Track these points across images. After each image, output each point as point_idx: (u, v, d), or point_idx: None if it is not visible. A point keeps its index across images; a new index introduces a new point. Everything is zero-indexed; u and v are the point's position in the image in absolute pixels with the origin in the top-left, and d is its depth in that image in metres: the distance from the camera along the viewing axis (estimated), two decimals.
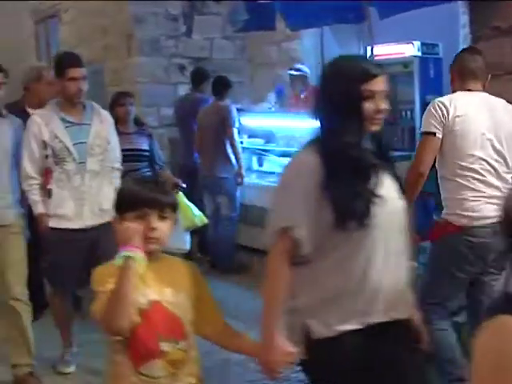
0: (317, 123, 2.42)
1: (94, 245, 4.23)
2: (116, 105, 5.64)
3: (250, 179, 7.37)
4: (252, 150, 7.68)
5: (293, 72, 7.71)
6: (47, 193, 4.26)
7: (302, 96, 7.67)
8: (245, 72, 9.38)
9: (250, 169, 7.67)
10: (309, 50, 8.78)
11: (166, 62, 8.89)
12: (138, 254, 2.07)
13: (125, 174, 4.99)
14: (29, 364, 4.30)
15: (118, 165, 4.51)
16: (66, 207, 4.23)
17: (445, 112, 3.60)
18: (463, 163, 3.57)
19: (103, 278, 2.11)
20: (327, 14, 6.35)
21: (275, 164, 7.52)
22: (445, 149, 3.63)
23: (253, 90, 9.15)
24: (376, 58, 6.01)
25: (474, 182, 3.56)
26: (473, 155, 3.56)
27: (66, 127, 4.23)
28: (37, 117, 4.29)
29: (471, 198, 3.57)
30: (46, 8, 11.23)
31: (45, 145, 4.20)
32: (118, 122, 5.27)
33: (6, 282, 4.25)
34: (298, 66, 7.85)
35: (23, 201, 4.39)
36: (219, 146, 6.66)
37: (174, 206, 2.26)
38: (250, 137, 7.66)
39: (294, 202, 2.30)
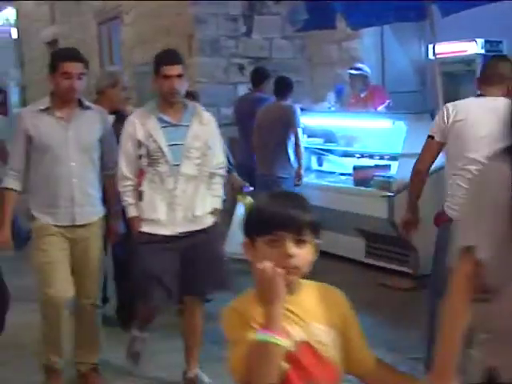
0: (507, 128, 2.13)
1: (187, 254, 4.00)
2: None
3: (309, 179, 7.34)
4: (311, 149, 7.65)
5: (353, 71, 7.67)
6: (139, 195, 4.05)
7: (362, 95, 7.62)
8: (304, 71, 9.36)
9: (309, 168, 7.64)
10: (369, 49, 8.72)
11: (225, 62, 8.94)
12: (280, 341, 1.70)
13: None
14: (94, 363, 4.26)
15: (220, 171, 4.19)
16: (158, 211, 3.99)
17: (445, 117, 3.94)
18: (459, 164, 3.83)
19: (235, 324, 1.79)
20: (388, 12, 6.30)
21: (335, 164, 7.49)
22: (447, 150, 3.99)
23: (312, 90, 9.12)
24: (438, 56, 5.92)
25: (466, 181, 3.71)
26: (468, 157, 3.78)
27: (162, 127, 3.98)
28: (133, 116, 4.09)
29: (460, 195, 3.70)
30: (109, 10, 11.43)
31: (139, 144, 3.99)
32: None
33: (83, 284, 4.09)
34: (359, 65, 7.80)
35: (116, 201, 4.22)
36: (280, 146, 6.65)
37: (315, 226, 1.85)
38: (309, 136, 7.63)
39: (479, 217, 2.00)
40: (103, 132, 4.15)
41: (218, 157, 4.17)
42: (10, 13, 21.60)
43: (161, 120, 4.00)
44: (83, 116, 4.06)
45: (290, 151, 6.64)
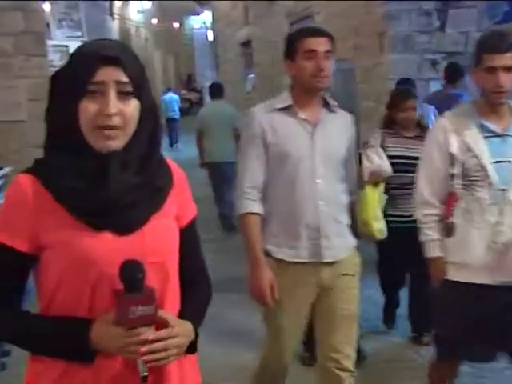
0: None
1: (505, 310, 3.06)
2: (397, 109, 4.95)
3: None
4: None
5: None
6: (448, 228, 3.10)
7: None
8: None
9: None
10: None
11: (418, 58, 8.74)
12: None
13: (400, 188, 4.58)
14: None
15: None
16: (474, 253, 3.04)
17: None
18: None
19: None
20: None
21: None
22: None
23: None
24: None
25: None
26: None
27: (485, 137, 3.04)
28: (445, 120, 3.15)
29: None
30: (301, 10, 11.59)
31: (452, 160, 3.06)
32: (398, 125, 4.92)
33: (331, 340, 3.12)
34: None
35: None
36: None
37: None
38: None
39: None
40: (350, 143, 3.22)
41: None
42: (206, 16, 22.57)
43: (483, 128, 3.06)
44: (330, 119, 3.13)
45: None
